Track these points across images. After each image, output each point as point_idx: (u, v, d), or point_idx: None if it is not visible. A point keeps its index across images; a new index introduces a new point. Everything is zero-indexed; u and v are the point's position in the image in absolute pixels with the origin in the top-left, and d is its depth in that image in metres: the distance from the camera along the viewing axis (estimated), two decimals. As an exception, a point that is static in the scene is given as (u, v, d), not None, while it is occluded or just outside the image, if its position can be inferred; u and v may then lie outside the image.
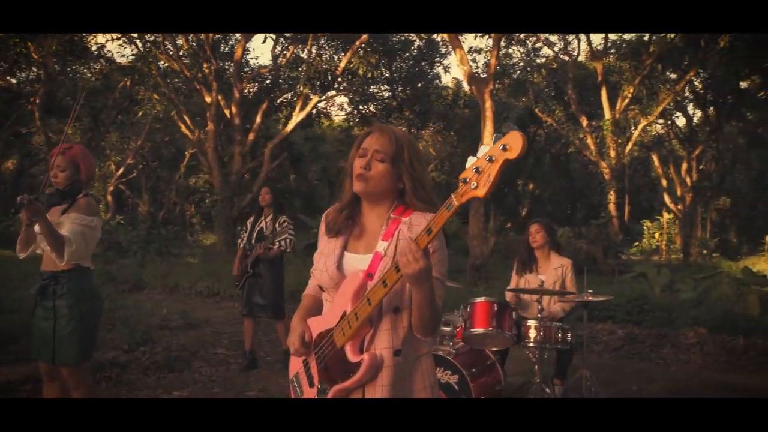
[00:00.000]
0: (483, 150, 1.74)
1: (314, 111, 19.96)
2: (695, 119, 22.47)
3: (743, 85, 17.94)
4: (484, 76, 14.65)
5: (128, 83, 20.26)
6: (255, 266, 5.94)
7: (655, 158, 20.56)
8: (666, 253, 18.64)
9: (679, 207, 19.92)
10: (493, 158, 1.69)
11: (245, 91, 19.03)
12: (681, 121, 23.30)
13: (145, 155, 27.48)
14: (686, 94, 20.20)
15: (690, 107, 21.64)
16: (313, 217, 16.97)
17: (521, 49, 22.09)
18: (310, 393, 2.19)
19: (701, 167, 19.42)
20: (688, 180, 20.15)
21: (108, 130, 22.88)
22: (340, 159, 28.23)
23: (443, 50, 21.90)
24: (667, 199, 20.25)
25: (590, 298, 4.73)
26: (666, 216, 19.50)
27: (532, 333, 4.60)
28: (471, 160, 1.76)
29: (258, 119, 18.16)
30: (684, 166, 20.61)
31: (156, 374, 5.79)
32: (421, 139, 27.20)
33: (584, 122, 18.84)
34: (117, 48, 61.80)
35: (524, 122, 23.32)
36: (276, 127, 24.65)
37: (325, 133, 29.69)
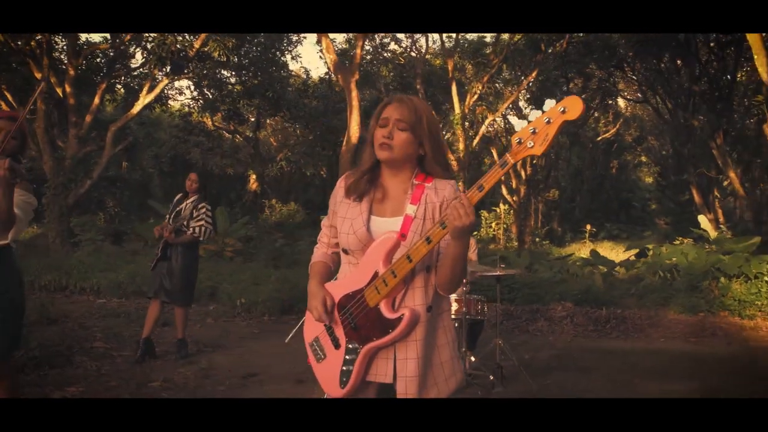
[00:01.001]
0: (535, 114, 1.87)
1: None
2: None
3: (570, 87, 19.79)
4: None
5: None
6: (166, 250, 5.59)
7: (494, 152, 22.04)
8: (503, 241, 20.04)
9: (515, 198, 21.53)
10: (551, 120, 1.82)
11: (79, 68, 17.44)
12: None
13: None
14: (522, 93, 21.83)
15: (522, 105, 23.40)
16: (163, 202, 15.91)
17: (370, 43, 22.54)
18: (336, 355, 2.18)
19: (534, 162, 21.13)
20: (522, 173, 21.81)
21: None
22: (175, 146, 26.59)
23: (294, 38, 21.77)
24: (504, 190, 21.78)
25: (502, 272, 5.06)
26: (502, 207, 20.94)
27: (455, 305, 4.83)
28: (522, 123, 1.89)
29: (96, 100, 16.77)
30: (519, 160, 22.14)
31: (36, 371, 5.21)
32: (263, 129, 26.69)
33: (432, 116, 19.63)
34: None
35: (370, 114, 23.75)
36: (106, 110, 22.79)
37: (161, 119, 27.95)
